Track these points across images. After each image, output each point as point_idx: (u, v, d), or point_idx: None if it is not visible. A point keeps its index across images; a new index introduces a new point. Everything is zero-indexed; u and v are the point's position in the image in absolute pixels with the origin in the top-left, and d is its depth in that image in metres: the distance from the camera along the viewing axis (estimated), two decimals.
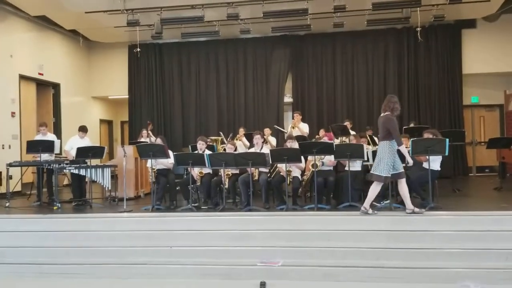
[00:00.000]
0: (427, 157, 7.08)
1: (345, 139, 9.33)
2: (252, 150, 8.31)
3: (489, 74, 13.05)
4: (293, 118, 10.63)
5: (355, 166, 7.80)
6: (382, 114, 6.84)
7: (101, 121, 15.54)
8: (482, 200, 8.77)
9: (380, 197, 7.60)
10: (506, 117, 13.42)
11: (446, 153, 7.00)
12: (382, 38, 13.20)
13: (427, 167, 7.12)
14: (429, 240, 6.27)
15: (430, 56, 13.00)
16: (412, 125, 10.85)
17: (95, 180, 8.58)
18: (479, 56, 12.81)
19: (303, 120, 10.68)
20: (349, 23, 11.40)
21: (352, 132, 9.71)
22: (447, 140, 7.01)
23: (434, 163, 7.24)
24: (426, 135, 7.50)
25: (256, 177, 7.85)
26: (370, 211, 6.77)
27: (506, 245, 6.02)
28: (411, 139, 7.42)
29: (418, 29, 11.28)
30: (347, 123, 10.15)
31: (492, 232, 6.28)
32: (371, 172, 6.85)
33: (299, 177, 7.86)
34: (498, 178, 10.30)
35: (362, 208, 6.78)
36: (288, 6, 10.25)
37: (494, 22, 12.64)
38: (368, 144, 8.68)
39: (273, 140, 10.16)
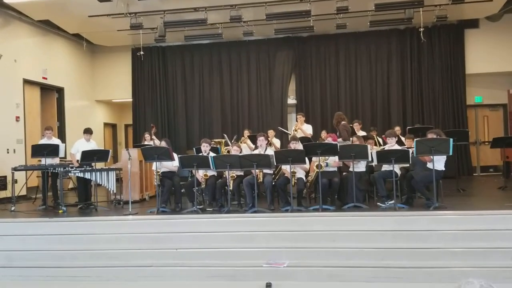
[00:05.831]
0: (431, 157, 7.09)
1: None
2: (256, 152, 8.32)
3: (493, 73, 13.03)
4: (296, 120, 10.62)
5: (360, 167, 7.79)
6: None
7: (105, 124, 15.57)
8: (487, 199, 8.77)
9: (385, 197, 7.63)
10: (510, 117, 13.39)
11: (450, 153, 7.03)
12: (385, 38, 13.20)
13: (431, 167, 7.13)
14: (434, 240, 6.28)
15: (433, 56, 12.98)
16: (416, 125, 10.84)
17: (100, 183, 8.63)
18: (482, 55, 12.80)
19: (306, 122, 10.67)
20: (352, 24, 11.45)
21: (363, 133, 9.68)
22: (451, 140, 7.02)
23: (438, 163, 7.23)
24: (430, 135, 7.49)
25: (261, 179, 7.85)
26: None
27: (511, 244, 6.02)
28: (415, 139, 7.44)
29: (421, 29, 11.28)
30: (356, 124, 10.13)
31: (497, 231, 6.28)
32: None
33: (304, 178, 7.87)
34: (502, 178, 10.28)
35: None
36: (291, 8, 10.28)
37: (497, 22, 12.63)
38: (375, 145, 8.67)
39: (277, 142, 10.18)
